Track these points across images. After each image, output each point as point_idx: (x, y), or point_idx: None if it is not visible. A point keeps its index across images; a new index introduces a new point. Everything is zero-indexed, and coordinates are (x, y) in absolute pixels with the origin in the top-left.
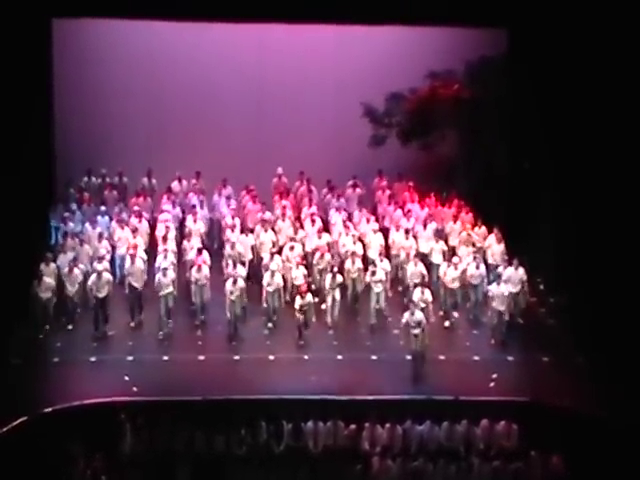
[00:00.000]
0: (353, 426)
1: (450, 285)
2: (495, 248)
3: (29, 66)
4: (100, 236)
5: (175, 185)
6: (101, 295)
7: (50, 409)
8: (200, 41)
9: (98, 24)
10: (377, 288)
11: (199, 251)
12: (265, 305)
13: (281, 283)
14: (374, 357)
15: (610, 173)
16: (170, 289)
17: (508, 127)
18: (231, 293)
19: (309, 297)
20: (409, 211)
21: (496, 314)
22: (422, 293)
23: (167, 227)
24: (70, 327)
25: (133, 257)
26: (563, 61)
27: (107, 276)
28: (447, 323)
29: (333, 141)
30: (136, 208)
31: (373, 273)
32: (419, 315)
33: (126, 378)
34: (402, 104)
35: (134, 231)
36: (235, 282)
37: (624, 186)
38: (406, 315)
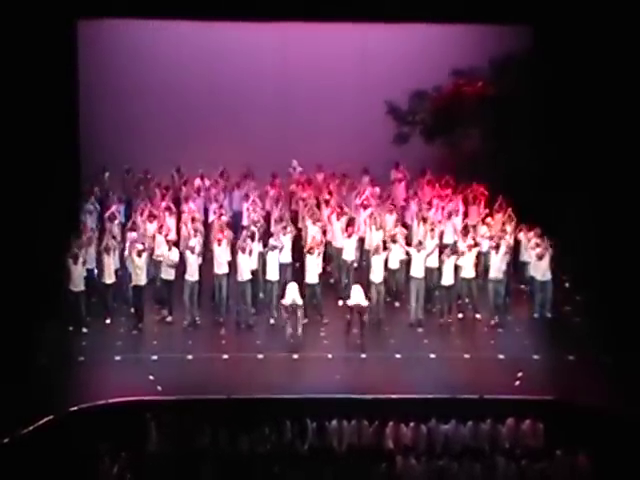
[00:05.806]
0: (377, 425)
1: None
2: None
3: (55, 66)
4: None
5: (198, 183)
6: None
7: (76, 408)
8: (224, 40)
9: (123, 24)
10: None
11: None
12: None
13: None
14: (398, 356)
15: (637, 169)
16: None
17: (532, 124)
18: None
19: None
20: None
21: None
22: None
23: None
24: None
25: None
26: (588, 57)
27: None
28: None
29: (357, 139)
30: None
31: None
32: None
33: (151, 377)
34: (426, 102)
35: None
36: None
37: None
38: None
